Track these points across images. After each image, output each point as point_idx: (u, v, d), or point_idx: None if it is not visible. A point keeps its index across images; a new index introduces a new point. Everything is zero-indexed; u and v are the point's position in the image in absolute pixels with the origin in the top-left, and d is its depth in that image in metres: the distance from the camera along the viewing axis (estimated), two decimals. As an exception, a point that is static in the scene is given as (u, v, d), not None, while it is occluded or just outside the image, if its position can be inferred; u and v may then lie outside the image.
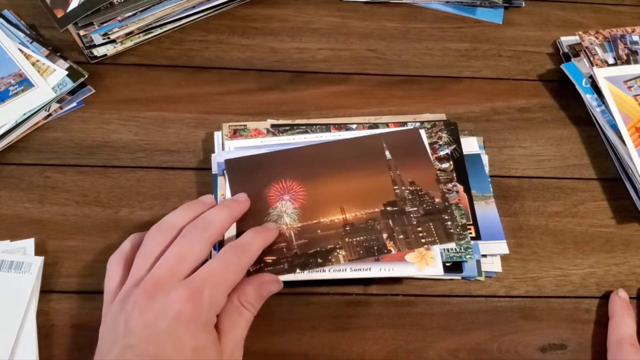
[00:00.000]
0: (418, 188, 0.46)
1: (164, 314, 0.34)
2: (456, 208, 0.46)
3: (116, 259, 0.40)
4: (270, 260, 0.42)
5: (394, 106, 0.55)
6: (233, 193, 0.45)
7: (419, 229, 0.44)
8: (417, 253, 0.43)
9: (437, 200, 0.45)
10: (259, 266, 0.42)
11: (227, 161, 0.47)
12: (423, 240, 0.44)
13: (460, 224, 0.45)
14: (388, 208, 0.45)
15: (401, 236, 0.44)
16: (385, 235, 0.44)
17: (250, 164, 0.47)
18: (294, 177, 0.46)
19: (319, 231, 0.44)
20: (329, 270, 0.43)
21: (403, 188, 0.46)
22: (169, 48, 0.57)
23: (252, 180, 0.46)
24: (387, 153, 0.47)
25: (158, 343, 0.34)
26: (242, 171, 0.46)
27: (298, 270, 0.42)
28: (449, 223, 0.44)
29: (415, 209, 0.45)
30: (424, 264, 0.43)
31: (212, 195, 0.44)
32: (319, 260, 0.42)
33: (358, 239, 0.43)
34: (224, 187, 0.46)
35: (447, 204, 0.45)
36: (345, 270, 0.43)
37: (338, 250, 0.43)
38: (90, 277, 0.45)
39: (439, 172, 0.48)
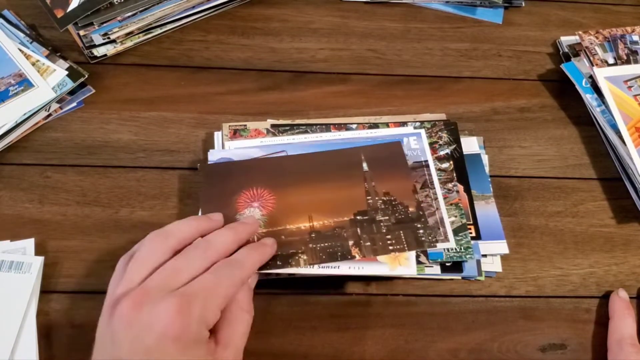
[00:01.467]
0: (392, 198, 0.45)
1: (150, 328, 0.33)
2: (456, 208, 0.47)
3: (124, 261, 0.38)
4: None
5: (394, 106, 0.55)
6: (204, 197, 0.45)
7: (388, 236, 0.43)
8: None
9: (411, 209, 0.45)
10: None
11: (204, 166, 0.47)
12: (391, 247, 0.43)
13: (433, 232, 0.44)
14: (358, 217, 0.44)
15: (368, 243, 0.43)
16: (351, 242, 0.43)
17: (225, 170, 0.47)
18: (266, 185, 0.45)
19: (282, 237, 0.43)
20: (296, 267, 0.42)
21: (376, 198, 0.45)
22: (169, 48, 0.57)
23: (224, 185, 0.45)
24: (365, 165, 0.47)
25: (145, 358, 0.33)
26: (217, 177, 0.46)
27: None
28: (421, 231, 0.44)
29: (387, 217, 0.44)
30: (397, 263, 0.42)
31: (221, 214, 0.42)
32: (278, 263, 0.42)
33: (322, 245, 0.43)
34: None
35: (421, 212, 0.44)
36: (312, 266, 0.42)
37: (300, 255, 0.42)
38: (91, 277, 0.45)
39: (439, 171, 0.48)
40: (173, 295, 0.34)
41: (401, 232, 0.44)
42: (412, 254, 0.43)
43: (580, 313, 0.46)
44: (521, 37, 0.61)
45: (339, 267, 0.42)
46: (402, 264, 0.42)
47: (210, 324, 0.35)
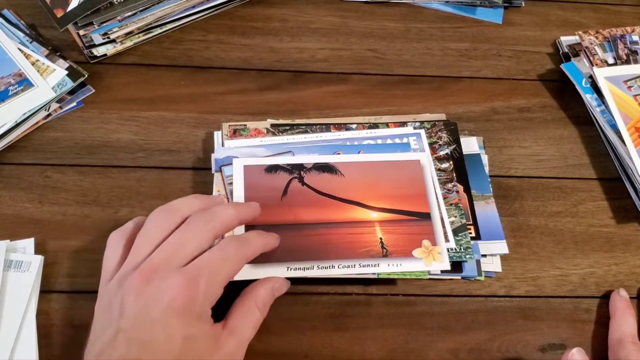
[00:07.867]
0: None
1: (157, 300, 0.34)
2: (456, 208, 0.47)
3: (117, 236, 0.39)
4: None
5: (394, 106, 0.55)
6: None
7: None
8: (423, 249, 0.44)
9: None
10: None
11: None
12: None
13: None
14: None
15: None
16: None
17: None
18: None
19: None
20: (338, 267, 0.43)
21: None
22: (169, 48, 0.57)
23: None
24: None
25: (149, 329, 0.33)
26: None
27: None
28: None
29: None
30: (431, 259, 0.43)
31: (223, 197, 0.44)
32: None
33: None
34: (219, 183, 0.46)
35: None
36: (354, 266, 0.43)
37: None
38: (91, 277, 0.44)
39: (438, 172, 0.48)
40: (181, 271, 0.35)
41: None
42: (444, 249, 0.44)
43: (580, 313, 0.46)
44: (521, 37, 0.61)
45: (378, 264, 0.43)
46: (436, 259, 0.43)
47: (213, 300, 0.36)
